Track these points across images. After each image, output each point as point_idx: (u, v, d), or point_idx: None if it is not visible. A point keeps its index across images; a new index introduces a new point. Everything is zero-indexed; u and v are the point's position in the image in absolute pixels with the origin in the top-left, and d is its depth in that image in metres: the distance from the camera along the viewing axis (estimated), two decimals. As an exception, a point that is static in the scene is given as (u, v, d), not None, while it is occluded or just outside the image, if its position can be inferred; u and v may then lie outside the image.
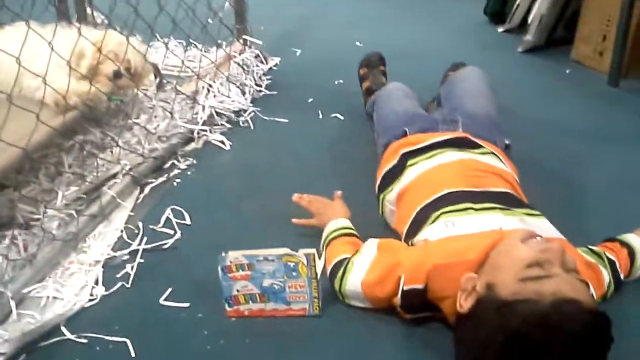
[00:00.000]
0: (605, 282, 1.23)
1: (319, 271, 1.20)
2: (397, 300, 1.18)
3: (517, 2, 2.71)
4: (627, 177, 1.71)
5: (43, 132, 1.46)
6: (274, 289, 1.21)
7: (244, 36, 2.38)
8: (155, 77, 2.10)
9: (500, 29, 2.84)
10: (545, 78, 2.39)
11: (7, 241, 1.39)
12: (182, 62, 2.06)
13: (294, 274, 1.19)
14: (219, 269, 1.20)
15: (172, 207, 1.60)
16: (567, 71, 2.42)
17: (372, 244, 1.29)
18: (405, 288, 1.16)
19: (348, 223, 1.39)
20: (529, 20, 2.59)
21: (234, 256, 1.19)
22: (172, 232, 1.51)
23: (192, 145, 1.92)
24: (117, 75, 1.77)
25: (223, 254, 1.19)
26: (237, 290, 1.22)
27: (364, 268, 1.23)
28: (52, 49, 1.42)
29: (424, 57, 2.57)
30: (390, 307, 1.22)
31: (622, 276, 1.25)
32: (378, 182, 1.55)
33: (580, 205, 1.60)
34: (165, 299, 1.30)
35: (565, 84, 2.34)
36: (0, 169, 1.36)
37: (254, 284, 1.21)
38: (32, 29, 1.41)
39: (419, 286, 1.15)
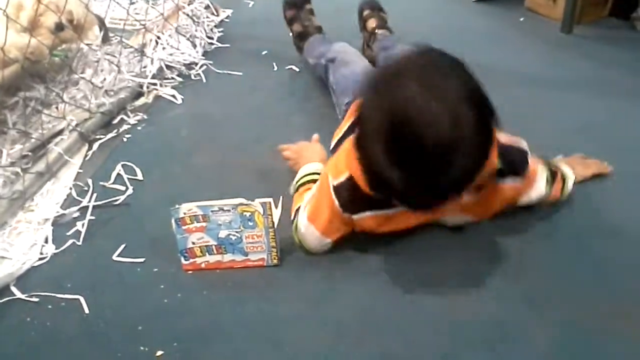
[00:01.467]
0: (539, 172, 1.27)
1: (275, 220, 1.19)
2: (336, 204, 1.16)
3: (470, -50, 2.67)
4: (578, 122, 1.73)
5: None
6: (231, 240, 1.20)
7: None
8: (100, 30, 2.01)
9: (454, -22, 2.81)
10: (499, 26, 2.38)
11: (-53, 203, 1.33)
12: (127, 12, 1.97)
13: (250, 224, 1.18)
14: (173, 221, 1.17)
15: (123, 162, 1.55)
16: (521, 19, 2.41)
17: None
18: (334, 184, 1.14)
19: (319, 167, 1.34)
20: (483, -32, 2.57)
21: (187, 208, 1.16)
22: (123, 188, 1.47)
23: (142, 100, 1.86)
24: (58, 27, 1.68)
25: (176, 206, 1.17)
26: (193, 243, 1.20)
27: (306, 204, 1.23)
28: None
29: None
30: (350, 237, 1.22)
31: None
32: (338, 137, 1.51)
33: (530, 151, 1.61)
34: (119, 255, 1.26)
35: (519, 32, 2.34)
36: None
37: (210, 235, 1.19)
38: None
39: (344, 177, 1.13)
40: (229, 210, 1.16)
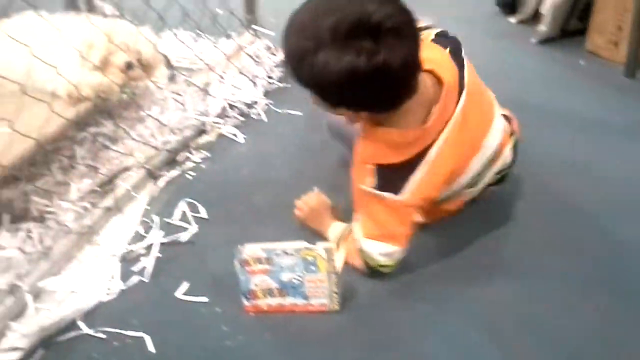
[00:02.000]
0: None
1: (338, 265, 1.19)
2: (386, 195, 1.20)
3: (530, -7, 2.67)
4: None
5: (56, 124, 1.45)
6: (293, 283, 1.20)
7: (254, 26, 2.36)
8: (167, 68, 2.08)
9: (512, 20, 2.80)
10: (560, 69, 2.36)
11: (22, 234, 1.38)
12: (194, 53, 2.04)
13: (312, 268, 1.18)
14: (236, 262, 1.19)
15: (187, 200, 1.59)
16: (582, 62, 2.39)
17: None
18: (372, 184, 1.20)
19: (343, 225, 1.37)
20: (543, 11, 2.56)
21: (251, 250, 1.18)
22: (188, 225, 1.50)
23: (205, 138, 1.90)
24: (128, 66, 1.75)
25: (240, 247, 1.18)
26: (255, 285, 1.21)
27: (359, 233, 1.28)
28: (64, 38, 1.41)
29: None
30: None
31: None
32: None
33: (598, 199, 1.57)
34: (184, 294, 1.29)
35: (579, 75, 2.31)
36: (13, 160, 1.34)
37: (272, 278, 1.20)
38: (44, 17, 1.40)
39: (371, 170, 1.21)
40: (292, 254, 1.17)
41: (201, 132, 1.91)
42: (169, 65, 2.09)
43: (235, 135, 1.93)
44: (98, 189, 1.57)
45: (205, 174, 1.74)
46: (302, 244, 1.17)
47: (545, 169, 1.65)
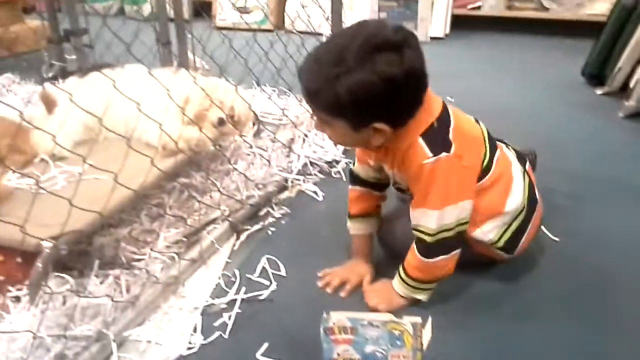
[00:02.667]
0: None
1: (424, 342, 1.16)
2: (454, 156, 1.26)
3: (618, 66, 2.63)
4: None
5: (153, 174, 1.50)
6: (376, 356, 1.18)
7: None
8: (253, 124, 2.14)
9: (598, 92, 2.76)
10: (649, 144, 2.29)
11: (110, 280, 1.42)
12: (282, 111, 2.09)
13: (398, 342, 1.16)
14: (321, 330, 1.18)
15: (268, 256, 1.60)
16: (672, 140, 2.31)
17: None
18: (441, 154, 1.25)
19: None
20: (631, 85, 2.50)
21: (337, 318, 1.17)
22: (267, 282, 1.51)
23: (286, 194, 1.93)
24: (221, 122, 1.82)
25: (325, 315, 1.17)
26: (338, 354, 1.19)
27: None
28: (163, 92, 1.47)
29: (519, 115, 2.53)
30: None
31: None
32: None
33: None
34: (263, 354, 1.28)
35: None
36: (112, 208, 1.39)
37: (356, 349, 1.18)
38: (152, 75, 1.47)
39: (431, 130, 1.27)
40: (378, 326, 1.15)
41: (283, 188, 1.94)
42: (256, 120, 2.15)
43: (315, 192, 1.95)
44: (184, 239, 1.61)
45: (285, 231, 1.75)
46: (389, 317, 1.15)
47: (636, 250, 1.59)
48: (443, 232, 1.29)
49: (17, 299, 1.34)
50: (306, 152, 2.09)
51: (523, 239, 1.43)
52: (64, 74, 2.62)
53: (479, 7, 3.84)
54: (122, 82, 1.54)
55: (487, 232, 1.38)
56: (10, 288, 1.36)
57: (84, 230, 1.34)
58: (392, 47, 1.15)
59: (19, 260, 1.34)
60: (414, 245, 1.35)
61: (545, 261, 1.56)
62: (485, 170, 1.34)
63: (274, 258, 1.60)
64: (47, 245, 1.27)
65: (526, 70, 3.22)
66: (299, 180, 1.99)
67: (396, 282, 1.40)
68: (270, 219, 1.79)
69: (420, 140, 1.25)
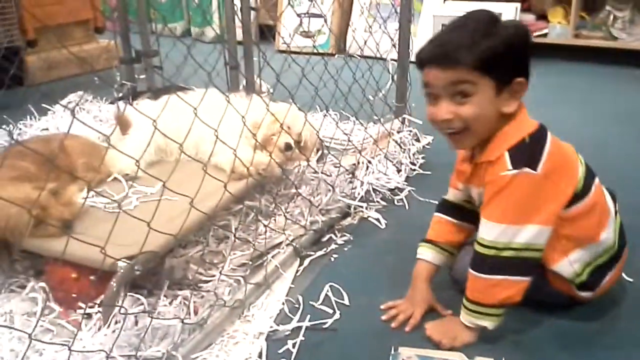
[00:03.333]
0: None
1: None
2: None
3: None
4: None
5: (224, 197, 1.52)
6: (445, 394, 1.15)
7: (405, 115, 2.40)
8: (318, 150, 2.15)
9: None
10: None
11: (178, 301, 1.44)
12: (347, 136, 2.10)
13: (469, 382, 1.13)
14: (391, 364, 1.16)
15: (331, 283, 1.59)
16: None
17: None
18: (529, 170, 1.24)
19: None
20: None
21: (407, 355, 1.15)
22: (330, 310, 1.50)
23: (348, 220, 1.93)
24: (287, 147, 1.83)
25: (394, 351, 1.16)
26: (406, 389, 1.18)
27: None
28: (244, 122, 1.50)
29: (586, 147, 2.45)
30: None
31: None
32: None
33: None
34: (328, 386, 1.27)
35: None
36: (185, 230, 1.41)
37: (425, 385, 1.16)
38: (230, 102, 1.50)
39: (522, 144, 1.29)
40: (448, 364, 1.13)
41: (346, 214, 1.94)
42: (321, 146, 2.16)
43: (378, 220, 1.94)
44: (249, 262, 1.62)
45: (349, 258, 1.74)
46: (458, 355, 1.13)
47: None
48: (505, 249, 1.25)
49: (89, 316, 1.37)
50: (369, 178, 2.08)
51: (607, 277, 1.37)
52: (134, 93, 2.70)
53: (545, 35, 3.78)
54: (196, 106, 1.58)
55: (574, 261, 1.33)
56: (82, 305, 1.39)
57: (159, 252, 1.37)
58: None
59: (92, 278, 1.38)
60: (470, 271, 1.32)
61: (621, 302, 1.50)
62: (580, 195, 1.30)
63: (337, 286, 1.59)
64: (121, 265, 1.30)
65: (594, 101, 3.14)
66: (361, 207, 1.98)
67: (462, 312, 1.36)
68: (333, 246, 1.79)
69: (506, 154, 1.25)
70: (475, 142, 1.31)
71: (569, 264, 1.33)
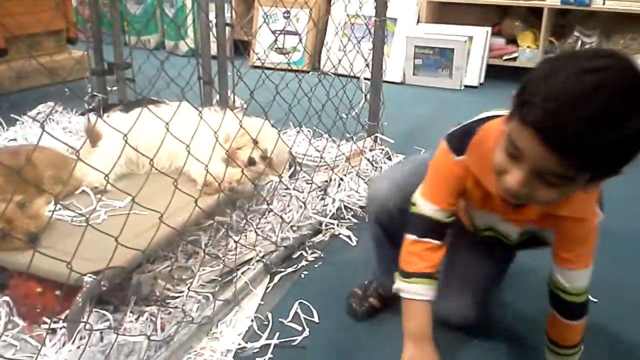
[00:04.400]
0: None
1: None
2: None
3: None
4: None
5: (194, 212, 1.51)
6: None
7: (377, 134, 2.42)
8: (290, 166, 2.16)
9: None
10: None
11: (144, 317, 1.42)
12: (321, 154, 2.11)
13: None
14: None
15: (300, 300, 1.59)
16: None
17: None
18: None
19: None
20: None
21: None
22: (300, 328, 1.49)
23: (320, 237, 1.93)
24: (251, 162, 1.80)
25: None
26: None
27: None
28: (216, 136, 1.49)
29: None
30: None
31: None
32: None
33: None
34: (295, 404, 1.26)
35: None
36: (153, 245, 1.39)
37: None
38: (202, 117, 1.49)
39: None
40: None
41: (317, 231, 1.94)
42: (293, 162, 2.17)
43: (349, 237, 1.94)
44: (219, 278, 1.61)
45: (319, 275, 1.74)
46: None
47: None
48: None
49: (53, 331, 1.34)
50: (341, 196, 2.09)
51: None
52: (105, 105, 2.67)
53: (514, 58, 3.86)
54: (168, 119, 1.56)
55: None
56: (46, 320, 1.36)
57: (126, 267, 1.35)
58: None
59: (57, 292, 1.35)
60: (567, 323, 1.26)
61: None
62: None
63: (306, 303, 1.59)
64: (87, 280, 1.27)
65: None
66: (332, 224, 1.98)
67: None
68: (304, 263, 1.79)
69: (595, 205, 1.18)
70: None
71: None
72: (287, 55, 3.88)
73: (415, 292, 1.25)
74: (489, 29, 3.83)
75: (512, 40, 3.94)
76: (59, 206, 1.59)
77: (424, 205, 1.26)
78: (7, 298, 1.42)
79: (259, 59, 4.06)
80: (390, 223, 1.45)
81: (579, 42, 3.80)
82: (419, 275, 1.25)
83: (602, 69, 0.92)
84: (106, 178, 1.16)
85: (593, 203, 1.17)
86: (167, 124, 1.31)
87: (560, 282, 1.22)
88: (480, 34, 3.79)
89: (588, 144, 0.91)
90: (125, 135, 1.15)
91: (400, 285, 1.27)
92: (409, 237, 1.27)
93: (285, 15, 4.13)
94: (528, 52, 3.82)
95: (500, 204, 1.21)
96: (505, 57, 3.89)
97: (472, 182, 1.22)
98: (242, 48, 3.59)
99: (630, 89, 0.92)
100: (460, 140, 1.21)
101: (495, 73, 3.85)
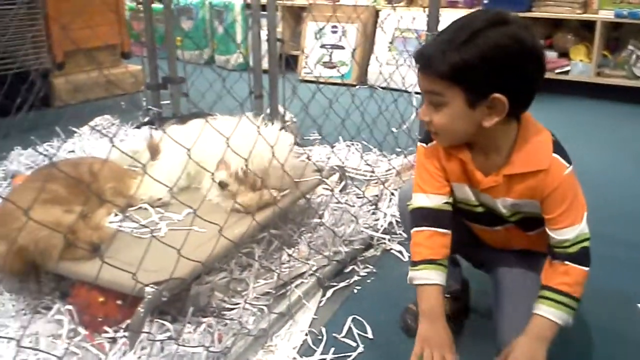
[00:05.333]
0: None
1: None
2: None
3: None
4: None
5: (251, 225, 1.53)
6: None
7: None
8: (340, 180, 2.16)
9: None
10: None
11: (202, 328, 1.44)
12: (371, 167, 2.10)
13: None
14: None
15: (354, 316, 1.59)
16: None
17: None
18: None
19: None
20: None
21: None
22: (354, 344, 1.49)
23: (371, 252, 1.93)
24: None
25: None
26: None
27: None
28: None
29: (605, 184, 2.45)
30: None
31: None
32: None
33: None
34: (352, 420, 1.26)
35: None
36: (212, 258, 1.42)
37: None
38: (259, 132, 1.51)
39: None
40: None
41: (369, 246, 1.94)
42: (343, 175, 2.17)
43: (401, 252, 1.93)
44: (272, 291, 1.62)
45: (372, 291, 1.74)
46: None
47: None
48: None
49: (114, 340, 1.38)
50: (392, 210, 2.08)
51: None
52: (160, 119, 2.74)
53: (567, 72, 3.79)
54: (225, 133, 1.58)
55: None
56: (107, 329, 1.40)
57: (186, 279, 1.37)
58: (517, 22, 1.17)
59: (118, 302, 1.38)
60: (575, 265, 1.25)
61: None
62: None
63: (360, 318, 1.58)
64: (149, 290, 1.30)
65: (615, 139, 3.13)
66: (384, 239, 1.98)
67: (555, 312, 1.24)
68: (356, 277, 1.78)
69: (555, 155, 1.23)
70: (453, 143, 1.28)
71: None
72: (338, 69, 3.91)
73: (423, 277, 1.32)
74: (541, 42, 3.78)
75: (564, 54, 3.88)
76: (118, 217, 1.64)
77: (416, 197, 1.37)
78: (69, 307, 1.46)
79: (308, 72, 4.10)
80: None
81: (634, 56, 3.70)
82: (425, 262, 1.33)
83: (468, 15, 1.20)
84: (170, 192, 1.18)
85: (546, 152, 1.23)
86: (227, 139, 1.33)
87: (551, 241, 1.27)
88: (531, 47, 3.74)
89: (440, 57, 1.15)
90: (188, 150, 1.18)
91: (411, 274, 1.35)
92: (412, 231, 1.37)
93: (333, 30, 4.16)
94: (581, 66, 3.75)
95: (471, 170, 1.30)
96: (557, 71, 3.82)
97: (446, 157, 1.32)
98: (291, 61, 3.63)
99: (481, 24, 1.15)
100: (426, 133, 1.34)
101: (546, 86, 3.77)
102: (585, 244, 1.26)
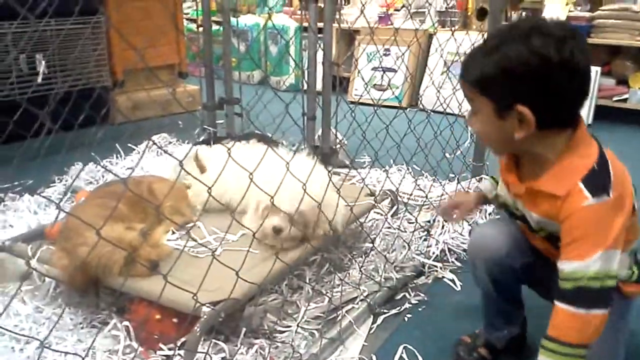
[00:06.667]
0: None
1: None
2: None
3: None
4: None
5: (306, 249, 1.54)
6: None
7: (482, 175, 2.38)
8: (392, 205, 2.16)
9: None
10: None
11: (254, 350, 1.45)
12: (426, 194, 2.09)
13: None
14: None
15: (405, 345, 1.57)
16: None
17: None
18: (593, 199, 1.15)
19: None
20: None
21: None
22: (406, 374, 1.48)
23: (422, 279, 1.91)
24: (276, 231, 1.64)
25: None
26: None
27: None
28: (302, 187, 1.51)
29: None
30: None
31: None
32: None
33: None
34: None
35: None
36: (268, 278, 1.43)
37: None
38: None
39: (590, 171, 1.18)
40: None
41: (420, 273, 1.92)
42: (395, 200, 2.17)
43: (452, 281, 1.91)
44: (323, 315, 1.62)
45: (423, 319, 1.72)
46: None
47: None
48: (605, 278, 1.15)
49: (168, 358, 1.40)
50: (444, 238, 2.06)
51: None
52: (215, 138, 2.79)
53: (625, 100, 3.70)
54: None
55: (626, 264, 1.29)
56: (162, 346, 1.42)
57: (241, 299, 1.39)
58: (553, 35, 1.11)
59: (174, 320, 1.41)
60: (562, 305, 1.16)
61: None
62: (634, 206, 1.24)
63: (411, 348, 1.57)
64: (206, 310, 1.32)
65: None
66: (436, 266, 1.96)
67: (542, 358, 1.18)
68: (407, 305, 1.77)
69: (581, 184, 1.15)
70: (497, 151, 1.30)
71: (624, 268, 1.29)
72: (393, 92, 3.92)
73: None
74: (599, 68, 3.70)
75: (623, 81, 3.79)
76: (176, 235, 1.67)
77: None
78: (127, 322, 1.49)
79: (357, 94, 4.12)
80: (501, 274, 1.43)
81: (697, 84, 3.60)
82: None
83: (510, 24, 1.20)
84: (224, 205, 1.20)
85: (572, 178, 1.16)
86: (251, 173, 1.25)
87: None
88: (589, 74, 3.67)
89: (471, 65, 1.18)
90: (251, 173, 1.20)
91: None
92: None
93: (386, 53, 4.18)
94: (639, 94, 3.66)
95: (508, 171, 1.31)
96: (615, 99, 3.74)
97: (503, 169, 1.35)
98: (344, 84, 3.66)
99: (513, 34, 1.14)
100: None
101: (604, 114, 3.71)
102: (586, 283, 1.14)
